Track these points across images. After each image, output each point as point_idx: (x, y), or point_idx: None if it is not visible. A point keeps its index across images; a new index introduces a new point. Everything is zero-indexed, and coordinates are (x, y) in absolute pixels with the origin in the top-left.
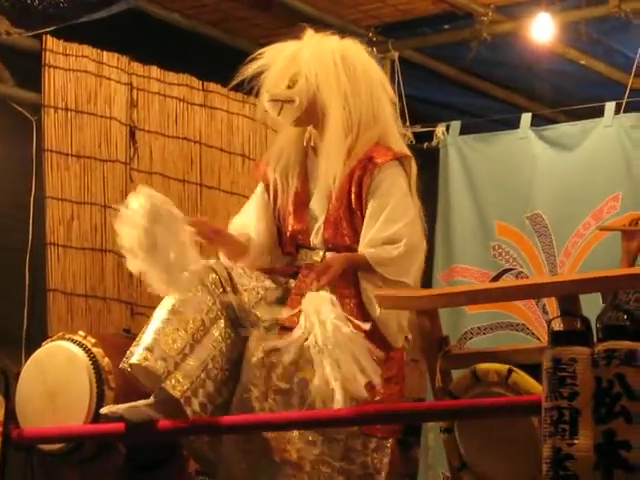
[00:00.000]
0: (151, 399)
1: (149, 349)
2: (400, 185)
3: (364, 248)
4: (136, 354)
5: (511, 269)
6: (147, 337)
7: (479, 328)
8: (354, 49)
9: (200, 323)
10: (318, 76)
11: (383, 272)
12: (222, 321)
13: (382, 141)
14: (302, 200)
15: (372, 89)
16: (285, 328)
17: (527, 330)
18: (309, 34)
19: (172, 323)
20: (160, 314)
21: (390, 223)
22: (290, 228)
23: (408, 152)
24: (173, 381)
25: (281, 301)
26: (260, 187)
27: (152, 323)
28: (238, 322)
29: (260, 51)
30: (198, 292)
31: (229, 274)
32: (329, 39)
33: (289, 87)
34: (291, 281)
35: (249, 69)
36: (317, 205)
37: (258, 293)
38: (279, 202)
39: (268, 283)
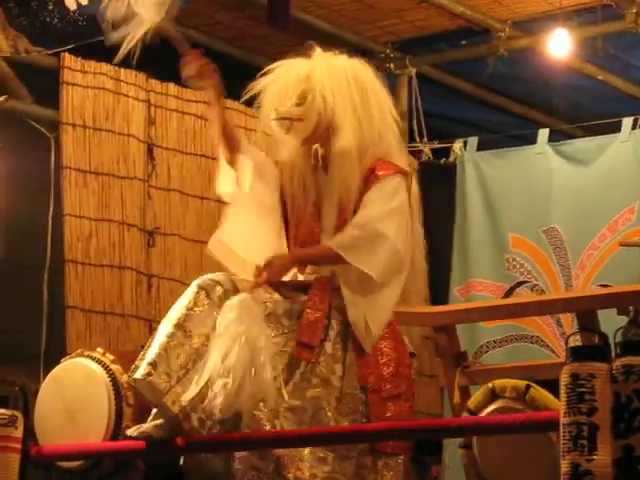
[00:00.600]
0: (159, 419)
1: (152, 364)
2: (394, 187)
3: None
4: (140, 369)
5: (525, 281)
6: (151, 352)
7: (495, 341)
8: (364, 69)
9: (205, 338)
10: (334, 94)
11: (345, 256)
12: None
13: (385, 159)
14: (313, 214)
15: (381, 110)
16: (303, 344)
17: (542, 342)
18: (318, 52)
19: (177, 337)
20: (165, 328)
21: (364, 210)
22: (300, 240)
23: (409, 169)
24: (174, 396)
25: (290, 313)
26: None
27: (157, 337)
28: None
29: (267, 68)
30: (205, 306)
31: (236, 287)
32: (339, 58)
33: (297, 105)
34: (302, 295)
35: (257, 86)
36: (327, 219)
37: (267, 307)
38: (289, 210)
39: (276, 296)
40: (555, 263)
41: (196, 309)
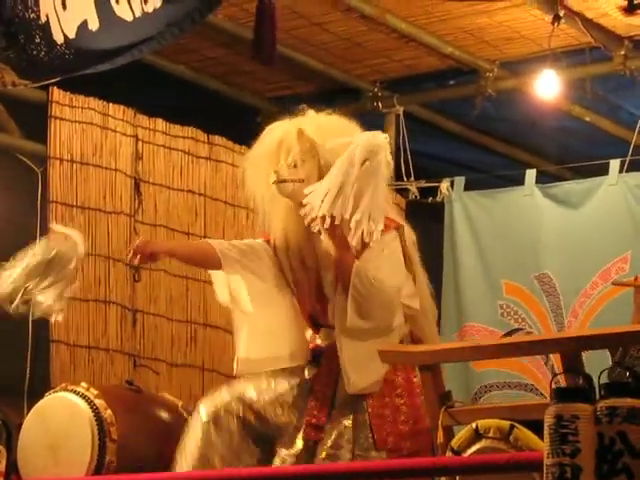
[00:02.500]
0: None
1: None
2: (396, 249)
3: None
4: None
5: (520, 329)
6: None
7: (486, 386)
8: (357, 130)
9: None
10: (333, 155)
11: (355, 290)
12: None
13: None
14: (316, 281)
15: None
16: (312, 425)
17: (536, 391)
18: (311, 114)
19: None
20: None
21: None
22: (310, 308)
23: (402, 222)
24: None
25: (298, 399)
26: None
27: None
28: (262, 436)
29: (272, 126)
30: (219, 443)
31: (252, 407)
32: (332, 119)
33: (295, 166)
34: (306, 370)
35: (255, 145)
36: (329, 285)
37: (277, 402)
38: (291, 282)
39: (281, 387)
40: (548, 310)
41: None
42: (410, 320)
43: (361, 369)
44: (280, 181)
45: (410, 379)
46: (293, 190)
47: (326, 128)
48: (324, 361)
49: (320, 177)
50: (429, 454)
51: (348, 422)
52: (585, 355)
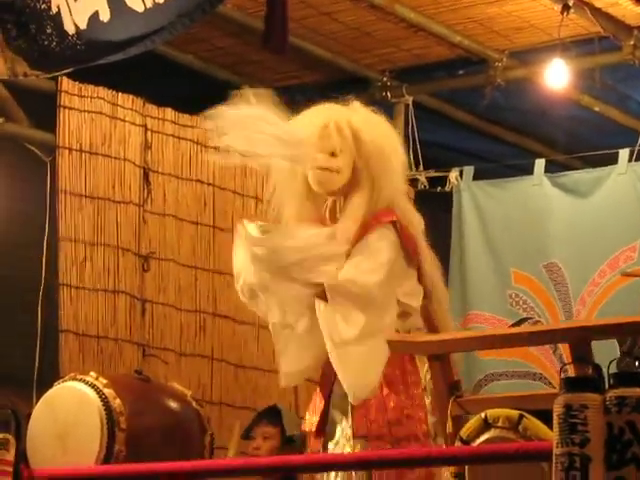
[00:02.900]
0: None
1: None
2: (382, 247)
3: None
4: None
5: (529, 318)
6: None
7: (493, 374)
8: (389, 128)
9: None
10: (369, 153)
11: (334, 302)
12: None
13: (389, 205)
14: None
15: (399, 165)
16: (311, 433)
17: (545, 380)
18: (357, 106)
19: None
20: None
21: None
22: None
23: (407, 213)
24: None
25: None
26: None
27: None
28: None
29: (315, 108)
30: None
31: None
32: (373, 116)
33: (333, 155)
34: None
35: (301, 122)
36: None
37: None
38: None
39: None
40: (556, 299)
41: None
42: (423, 309)
43: (359, 378)
44: (319, 168)
45: (404, 368)
46: (328, 180)
47: (373, 124)
48: (324, 372)
49: (353, 171)
50: (420, 441)
51: (341, 418)
52: (593, 345)
